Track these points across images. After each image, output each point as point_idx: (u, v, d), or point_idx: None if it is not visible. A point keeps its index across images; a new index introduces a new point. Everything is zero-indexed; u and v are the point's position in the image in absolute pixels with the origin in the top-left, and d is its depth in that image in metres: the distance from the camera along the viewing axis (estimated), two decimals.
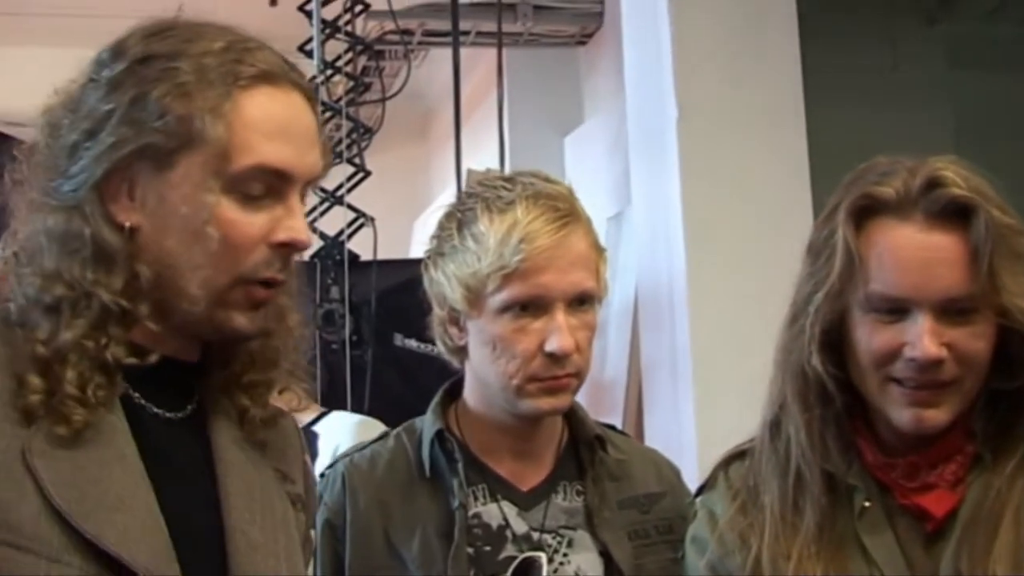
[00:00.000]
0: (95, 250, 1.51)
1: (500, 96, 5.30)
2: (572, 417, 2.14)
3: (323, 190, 5.31)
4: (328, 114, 5.61)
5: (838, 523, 1.85)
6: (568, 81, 5.84)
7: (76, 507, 1.42)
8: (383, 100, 5.76)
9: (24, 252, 1.55)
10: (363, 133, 5.60)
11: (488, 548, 2.01)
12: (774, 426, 1.91)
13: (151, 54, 1.52)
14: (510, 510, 2.05)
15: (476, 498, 2.05)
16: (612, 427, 2.26)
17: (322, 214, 5.26)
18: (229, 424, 1.64)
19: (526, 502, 2.06)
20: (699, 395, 3.78)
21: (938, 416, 1.78)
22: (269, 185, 1.53)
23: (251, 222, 1.52)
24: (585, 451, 2.12)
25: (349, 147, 5.41)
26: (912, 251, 1.76)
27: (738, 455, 1.99)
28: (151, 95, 1.50)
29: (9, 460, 1.43)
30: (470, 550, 1.99)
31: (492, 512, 2.04)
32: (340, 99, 5.58)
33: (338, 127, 5.65)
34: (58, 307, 1.50)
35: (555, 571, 2.01)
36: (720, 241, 3.84)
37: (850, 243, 1.79)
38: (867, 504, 1.85)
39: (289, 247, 1.56)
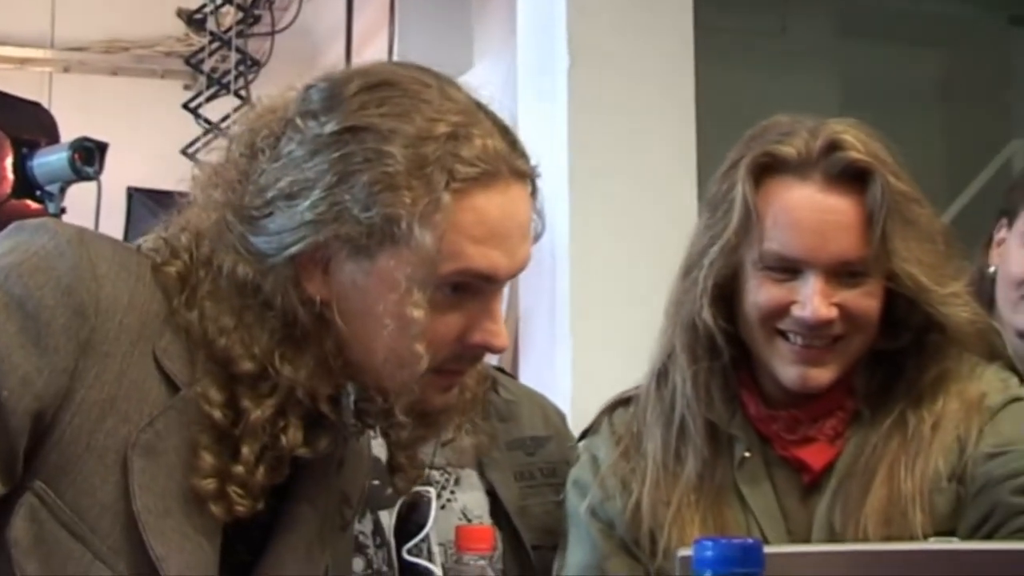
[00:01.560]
0: (286, 325, 1.44)
1: (391, 36, 5.27)
2: None
3: (208, 122, 5.26)
4: (215, 45, 5.56)
5: (718, 472, 1.88)
6: (459, 23, 5.80)
7: (153, 521, 1.38)
8: (272, 33, 5.71)
9: (202, 265, 1.46)
10: (251, 66, 5.55)
11: (377, 482, 2.02)
12: (661, 375, 1.93)
13: (366, 126, 1.41)
14: None
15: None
16: (501, 369, 2.28)
17: (205, 145, 5.21)
18: (330, 472, 1.60)
19: None
20: (576, 344, 3.81)
21: (823, 375, 1.82)
22: (471, 286, 1.45)
23: (447, 323, 1.45)
24: None
25: (236, 79, 5.37)
26: (808, 212, 1.79)
27: (623, 401, 2.01)
28: (359, 178, 1.39)
29: (111, 444, 1.38)
30: None
31: (381, 449, 2.05)
32: (229, 30, 5.52)
33: (225, 58, 5.60)
34: (237, 377, 1.43)
35: (442, 508, 2.03)
36: (605, 191, 3.87)
37: (748, 199, 1.80)
38: (747, 455, 1.88)
39: (483, 348, 1.50)
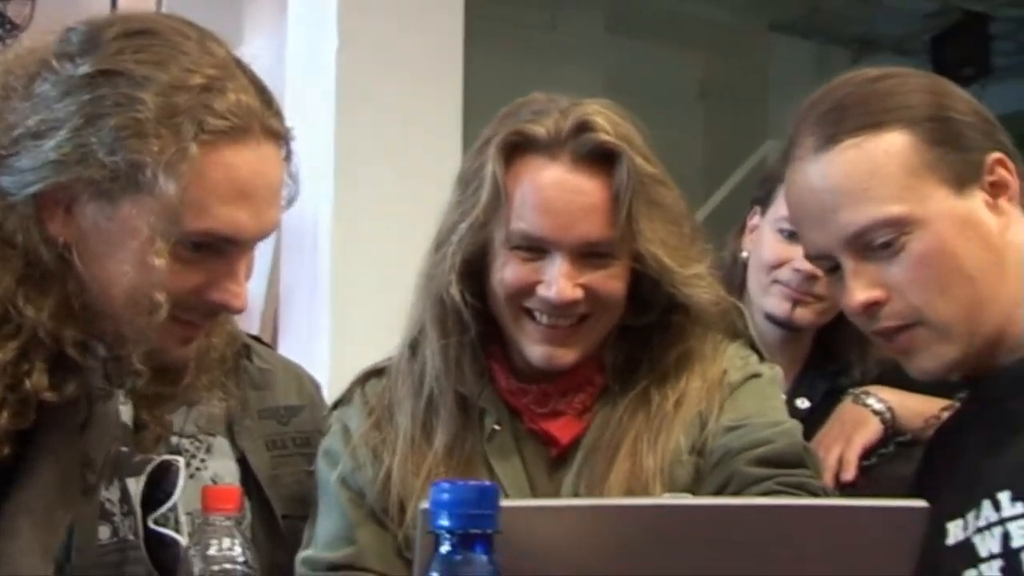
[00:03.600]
0: (28, 265, 1.41)
1: (158, 7, 5.17)
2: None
3: None
4: None
5: (467, 445, 1.90)
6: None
7: None
8: None
9: None
10: (10, 30, 5.39)
11: (125, 449, 1.98)
12: (412, 348, 1.95)
13: (120, 71, 1.40)
14: None
15: None
16: (258, 339, 2.27)
17: None
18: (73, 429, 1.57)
19: None
20: (336, 324, 3.82)
21: (568, 355, 1.85)
22: (215, 245, 1.45)
23: (186, 276, 1.45)
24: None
25: None
26: (556, 192, 1.81)
27: (376, 372, 2.02)
28: (107, 122, 1.38)
29: None
30: None
31: (129, 413, 2.02)
32: None
33: None
34: None
35: (192, 476, 2.01)
36: (370, 174, 3.89)
37: (498, 177, 1.82)
38: (497, 428, 1.90)
39: (220, 306, 1.50)
